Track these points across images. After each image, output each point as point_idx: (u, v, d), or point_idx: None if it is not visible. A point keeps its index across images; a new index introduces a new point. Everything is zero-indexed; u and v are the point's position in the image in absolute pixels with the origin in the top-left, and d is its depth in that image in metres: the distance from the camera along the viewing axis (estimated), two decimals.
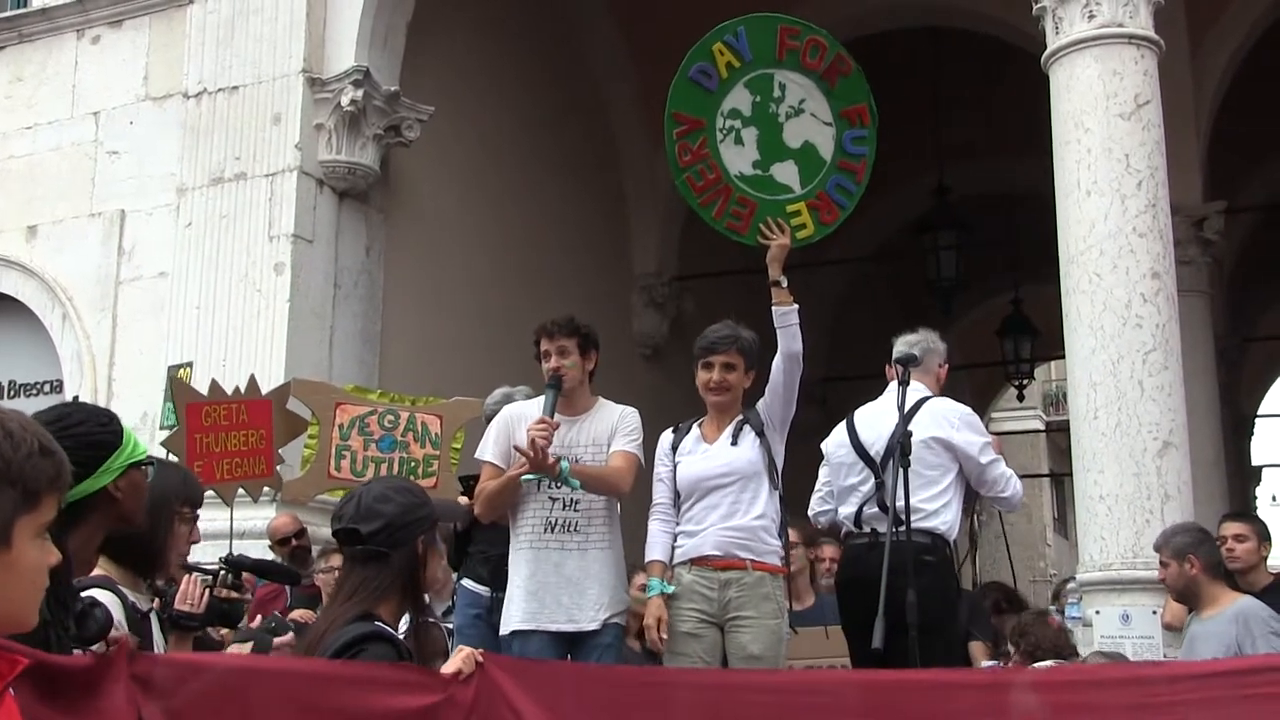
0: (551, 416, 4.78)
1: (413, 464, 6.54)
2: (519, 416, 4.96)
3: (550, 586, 4.79)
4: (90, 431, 2.65)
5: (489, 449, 4.99)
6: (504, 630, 4.85)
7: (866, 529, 5.05)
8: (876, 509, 5.00)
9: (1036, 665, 5.06)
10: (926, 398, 5.15)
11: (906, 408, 4.88)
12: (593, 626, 4.78)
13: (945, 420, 5.08)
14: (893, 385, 5.10)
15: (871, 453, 5.10)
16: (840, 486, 5.25)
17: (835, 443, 5.33)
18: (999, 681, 3.72)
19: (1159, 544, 5.55)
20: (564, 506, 4.84)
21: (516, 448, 4.75)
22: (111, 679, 2.39)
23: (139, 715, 2.43)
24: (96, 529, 2.67)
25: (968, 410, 5.19)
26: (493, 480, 4.91)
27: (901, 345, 5.27)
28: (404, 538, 3.02)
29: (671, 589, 4.78)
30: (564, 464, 4.69)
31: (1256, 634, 5.02)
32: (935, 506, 4.97)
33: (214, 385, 6.92)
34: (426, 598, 3.36)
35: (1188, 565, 5.30)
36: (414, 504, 3.09)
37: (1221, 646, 5.10)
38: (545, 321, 5.01)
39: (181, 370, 7.38)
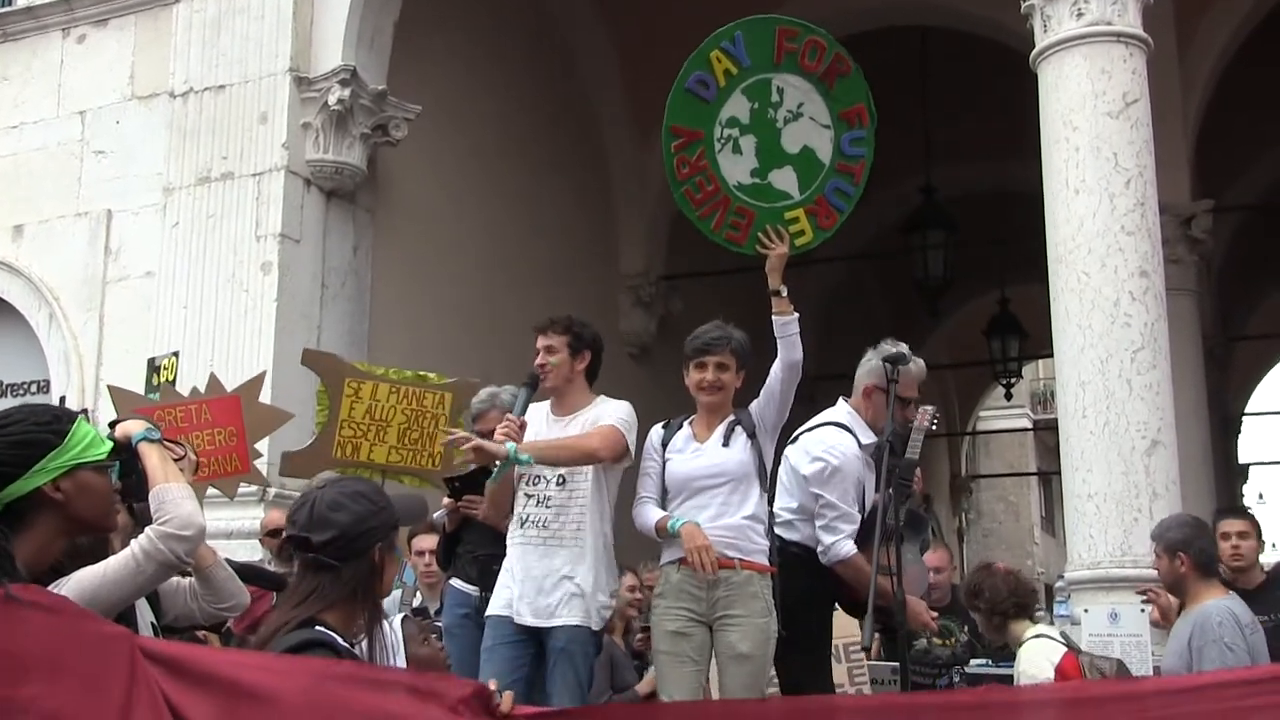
0: (523, 414, 4.83)
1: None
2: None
3: (519, 580, 4.84)
4: (26, 431, 2.59)
5: None
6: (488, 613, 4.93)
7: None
8: None
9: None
10: (825, 423, 5.19)
11: (818, 421, 5.18)
12: (545, 624, 4.77)
13: (806, 451, 5.11)
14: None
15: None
16: None
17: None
18: (986, 702, 3.53)
19: (1155, 533, 5.53)
20: (537, 503, 4.89)
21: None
22: (119, 657, 2.37)
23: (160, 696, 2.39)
24: (45, 534, 2.59)
25: (830, 453, 5.06)
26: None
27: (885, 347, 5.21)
28: (358, 548, 2.82)
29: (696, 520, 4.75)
30: (510, 446, 4.66)
31: (1206, 640, 5.01)
32: (789, 518, 5.12)
33: (165, 388, 6.79)
34: (387, 603, 3.25)
35: (1178, 562, 5.28)
36: (369, 512, 2.86)
37: (1179, 647, 5.14)
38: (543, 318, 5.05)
39: (167, 360, 7.23)
